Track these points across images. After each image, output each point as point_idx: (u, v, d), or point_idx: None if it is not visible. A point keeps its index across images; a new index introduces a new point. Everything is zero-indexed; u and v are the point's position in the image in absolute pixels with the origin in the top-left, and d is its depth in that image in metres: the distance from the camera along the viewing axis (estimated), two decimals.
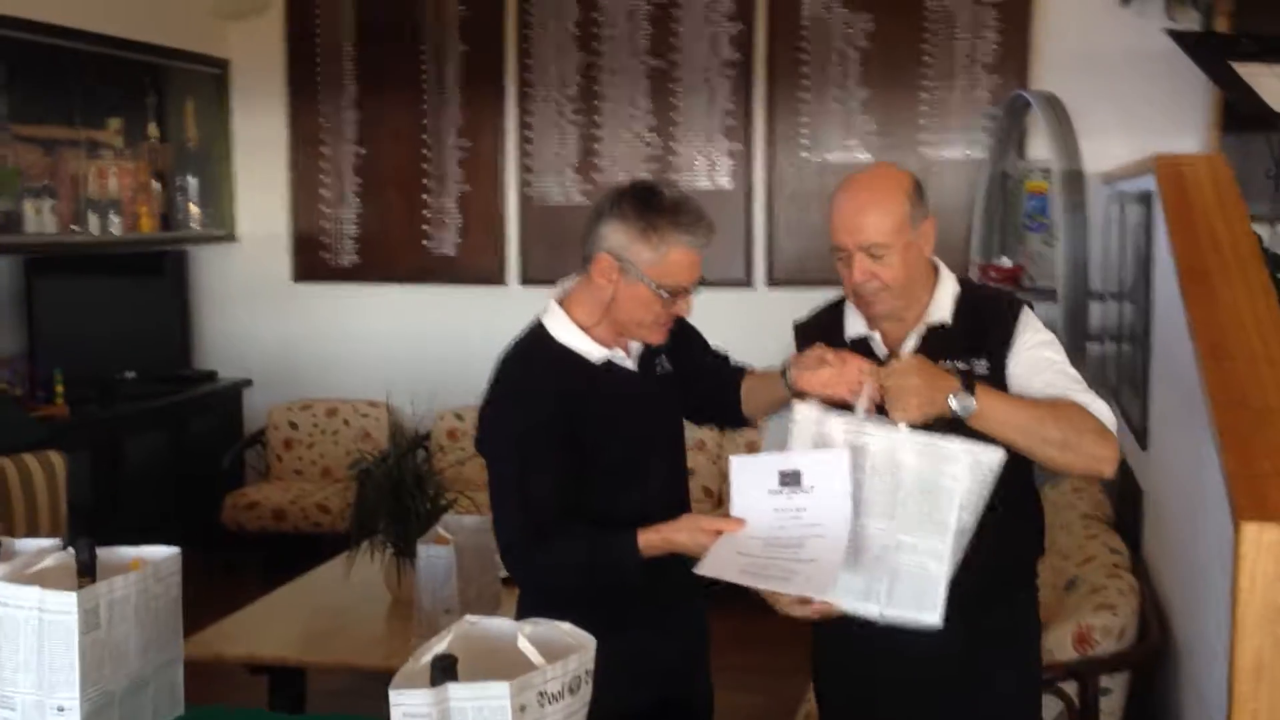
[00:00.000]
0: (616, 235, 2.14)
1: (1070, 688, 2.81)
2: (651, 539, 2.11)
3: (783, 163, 5.67)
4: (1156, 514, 3.47)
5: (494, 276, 5.98)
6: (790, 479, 1.99)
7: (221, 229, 6.20)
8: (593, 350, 2.22)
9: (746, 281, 5.71)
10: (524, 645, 1.45)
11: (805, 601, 1.97)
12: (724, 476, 4.89)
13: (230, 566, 5.58)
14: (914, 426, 1.92)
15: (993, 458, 1.88)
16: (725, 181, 5.74)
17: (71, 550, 1.91)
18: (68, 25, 5.06)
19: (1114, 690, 2.90)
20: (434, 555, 3.30)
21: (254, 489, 5.82)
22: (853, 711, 2.27)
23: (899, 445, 1.92)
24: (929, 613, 1.88)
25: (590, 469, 2.18)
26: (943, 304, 2.17)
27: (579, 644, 1.50)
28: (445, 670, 1.38)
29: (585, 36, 5.77)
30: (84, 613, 1.74)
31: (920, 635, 1.92)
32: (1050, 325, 4.58)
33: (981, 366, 2.10)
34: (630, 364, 2.27)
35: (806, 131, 5.64)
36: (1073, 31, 5.28)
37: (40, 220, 4.97)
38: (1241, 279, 2.55)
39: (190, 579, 5.27)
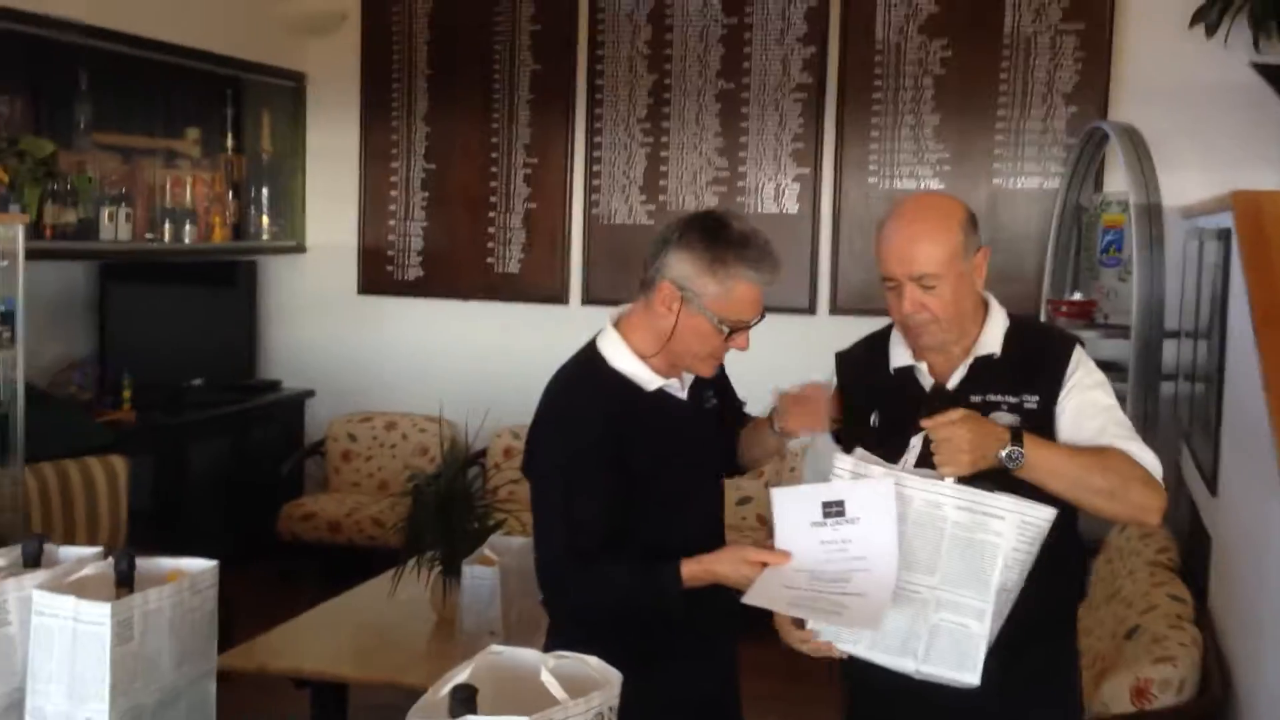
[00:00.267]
0: (682, 265, 2.12)
1: None
2: (694, 570, 2.08)
3: (851, 189, 5.61)
4: (1223, 562, 3.34)
5: (556, 295, 5.98)
6: (834, 509, 1.95)
7: (291, 240, 6.28)
8: (648, 378, 2.19)
9: (809, 309, 5.65)
10: (547, 679, 1.42)
11: (805, 639, 1.96)
12: None
13: (285, 576, 5.62)
14: (960, 480, 1.88)
15: (1040, 515, 1.83)
16: (792, 206, 5.69)
17: (111, 560, 1.91)
18: (150, 36, 5.18)
19: None
20: (479, 576, 3.29)
21: (311, 500, 5.87)
22: None
23: (943, 499, 1.87)
24: (968, 673, 1.84)
25: (637, 497, 2.15)
26: (992, 337, 2.12)
27: (604, 680, 1.46)
28: (464, 702, 1.35)
29: (656, 57, 5.76)
30: (117, 624, 1.74)
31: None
32: (1121, 363, 4.49)
33: (1031, 402, 2.06)
34: (682, 394, 2.25)
35: (875, 158, 5.57)
36: (1154, 62, 5.15)
37: (115, 227, 5.07)
38: None
39: (244, 588, 5.33)
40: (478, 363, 6.04)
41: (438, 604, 3.56)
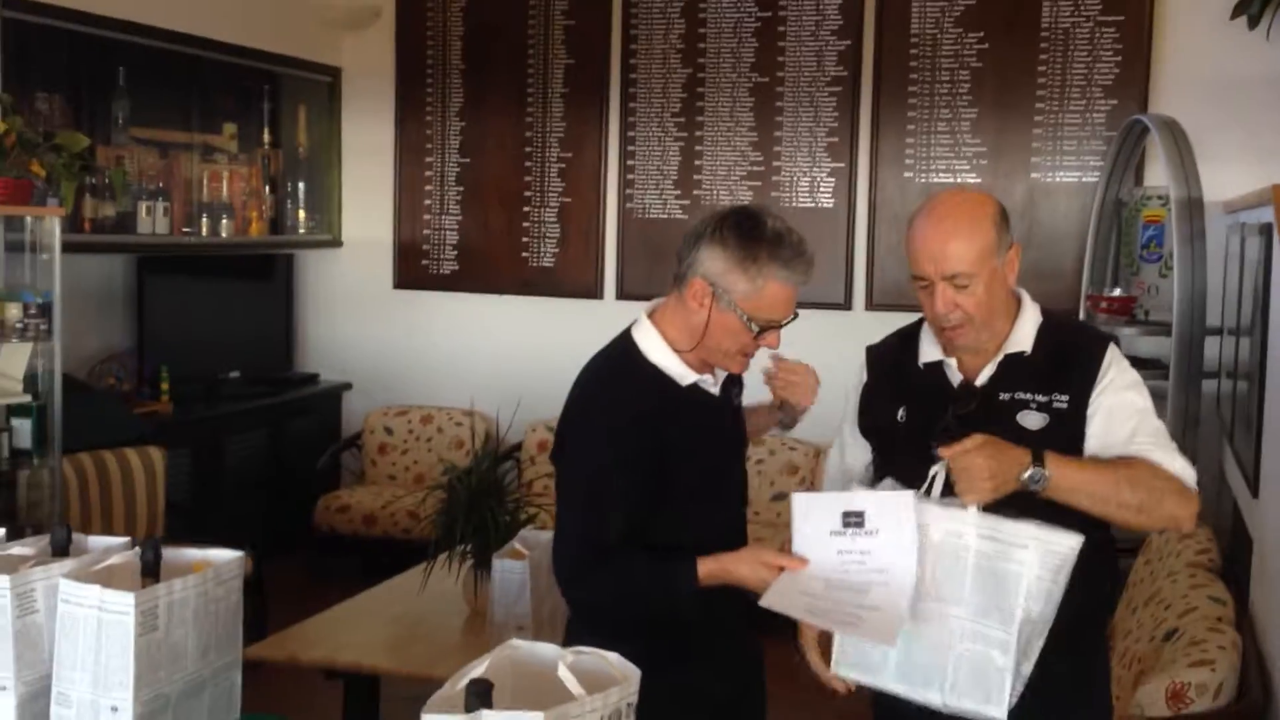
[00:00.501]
0: (714, 261, 2.10)
1: None
2: (712, 569, 2.06)
3: (886, 183, 5.56)
4: (1265, 564, 3.28)
5: (590, 290, 5.98)
6: (854, 519, 1.93)
7: (327, 234, 6.32)
8: (682, 372, 2.18)
9: (845, 304, 5.61)
10: (564, 674, 1.41)
11: (827, 675, 1.95)
12: None
13: (320, 569, 5.66)
14: (983, 507, 1.84)
15: (1065, 543, 1.78)
16: (827, 201, 5.65)
17: (138, 550, 1.92)
18: (187, 32, 5.22)
19: None
20: (509, 570, 3.29)
21: (347, 492, 5.90)
22: None
23: (966, 528, 1.83)
24: (994, 706, 1.80)
25: (666, 491, 2.14)
26: (1023, 334, 2.09)
27: (623, 676, 1.45)
28: (480, 696, 1.35)
29: (690, 51, 5.74)
30: (141, 613, 1.74)
31: None
32: (1162, 361, 4.42)
33: (1061, 401, 2.02)
34: (714, 389, 2.24)
35: (911, 152, 5.52)
36: (1194, 54, 5.07)
37: (153, 221, 5.12)
38: None
39: (280, 580, 5.37)
40: (513, 357, 6.04)
41: (470, 597, 3.56)
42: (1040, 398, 2.02)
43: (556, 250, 6.04)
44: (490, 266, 6.14)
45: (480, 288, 6.16)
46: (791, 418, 2.40)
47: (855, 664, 1.95)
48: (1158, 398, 4.32)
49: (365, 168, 6.30)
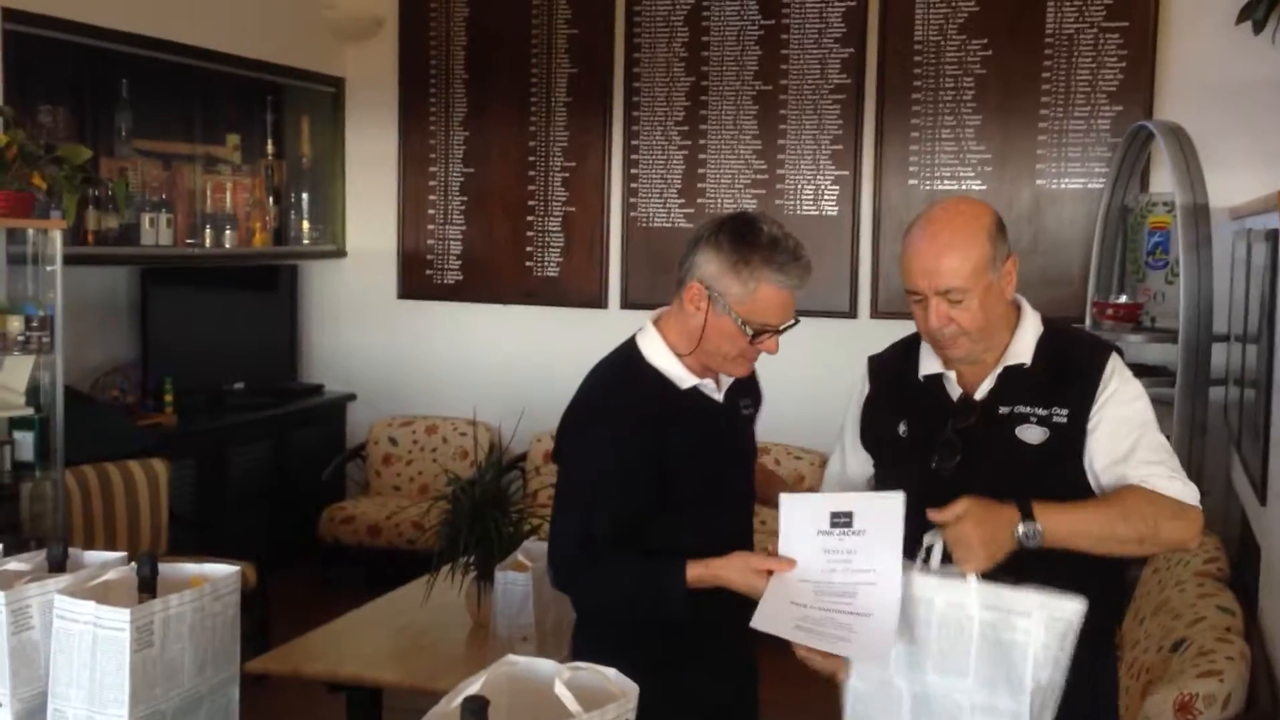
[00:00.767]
0: (709, 265, 2.12)
1: None
2: (700, 573, 2.07)
3: (891, 190, 5.54)
4: (1273, 573, 3.25)
5: (595, 299, 5.96)
6: (842, 520, 1.92)
7: (331, 245, 6.32)
8: (682, 375, 2.20)
9: (850, 312, 5.59)
10: (561, 691, 1.39)
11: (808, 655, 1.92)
12: None
13: (325, 580, 5.65)
14: (982, 575, 1.82)
15: (1069, 609, 1.76)
16: (831, 208, 5.63)
17: (134, 565, 1.91)
18: (190, 43, 5.23)
19: None
20: (511, 581, 3.27)
21: (351, 503, 5.89)
22: None
23: (968, 599, 1.81)
24: None
25: (663, 493, 2.16)
26: (1023, 345, 2.06)
27: (620, 692, 1.43)
28: (475, 713, 1.33)
29: (693, 59, 5.73)
30: (136, 629, 1.73)
31: None
32: (1169, 368, 4.39)
33: (1061, 415, 1.99)
34: (717, 395, 2.25)
35: (916, 159, 5.50)
36: (1199, 60, 5.05)
37: (156, 233, 5.12)
38: None
39: (285, 592, 5.36)
40: (517, 367, 6.03)
41: (473, 609, 3.54)
42: (1040, 411, 2.00)
43: (560, 260, 6.03)
44: (494, 276, 6.13)
45: (484, 297, 6.15)
46: None
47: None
48: (1164, 405, 4.31)
49: (369, 178, 6.30)
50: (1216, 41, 4.96)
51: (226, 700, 1.97)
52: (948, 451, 2.01)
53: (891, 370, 2.18)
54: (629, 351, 2.24)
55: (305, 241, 6.17)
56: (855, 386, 2.28)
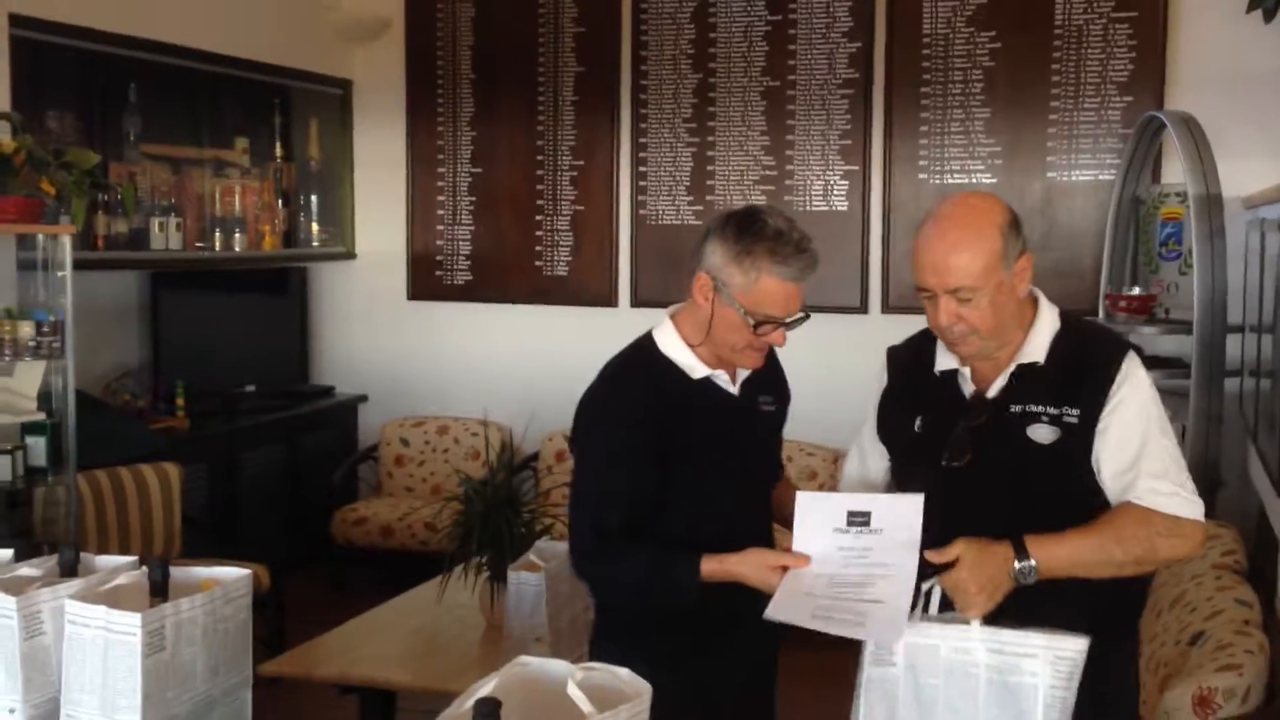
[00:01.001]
0: (715, 256, 2.16)
1: None
2: (714, 567, 2.09)
3: (901, 185, 5.52)
4: None
5: (605, 298, 5.95)
6: (859, 519, 1.93)
7: (341, 247, 6.32)
8: (694, 365, 2.24)
9: (861, 307, 5.57)
10: (573, 691, 1.38)
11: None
12: None
13: (339, 582, 5.65)
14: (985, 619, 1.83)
15: (1073, 647, 1.75)
16: (841, 204, 5.61)
17: (146, 569, 1.91)
18: (197, 47, 5.23)
19: None
20: (524, 582, 3.26)
21: (364, 505, 5.89)
22: None
23: (972, 644, 1.80)
24: None
25: (674, 481, 2.19)
26: (1037, 343, 2.04)
27: (634, 692, 1.42)
28: (487, 715, 1.32)
29: (700, 56, 5.72)
30: (148, 633, 1.73)
31: None
32: (1184, 359, 4.36)
33: (1071, 415, 1.98)
34: (731, 387, 2.27)
35: (925, 153, 5.48)
36: (1210, 49, 5.02)
37: (166, 237, 5.13)
38: None
39: (298, 594, 5.36)
40: (528, 366, 6.03)
41: (486, 610, 3.54)
42: (1052, 410, 1.98)
43: (570, 259, 6.02)
44: (504, 276, 6.12)
45: (494, 297, 6.15)
46: None
47: None
48: (1179, 396, 4.29)
49: (378, 179, 6.30)
50: (1227, 30, 4.93)
51: (239, 703, 1.97)
52: (958, 450, 2.00)
53: (909, 363, 2.17)
54: (644, 343, 2.29)
55: (315, 244, 6.17)
56: (874, 379, 2.28)
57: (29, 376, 4.06)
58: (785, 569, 1.98)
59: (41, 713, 1.79)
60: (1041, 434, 1.98)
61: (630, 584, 2.17)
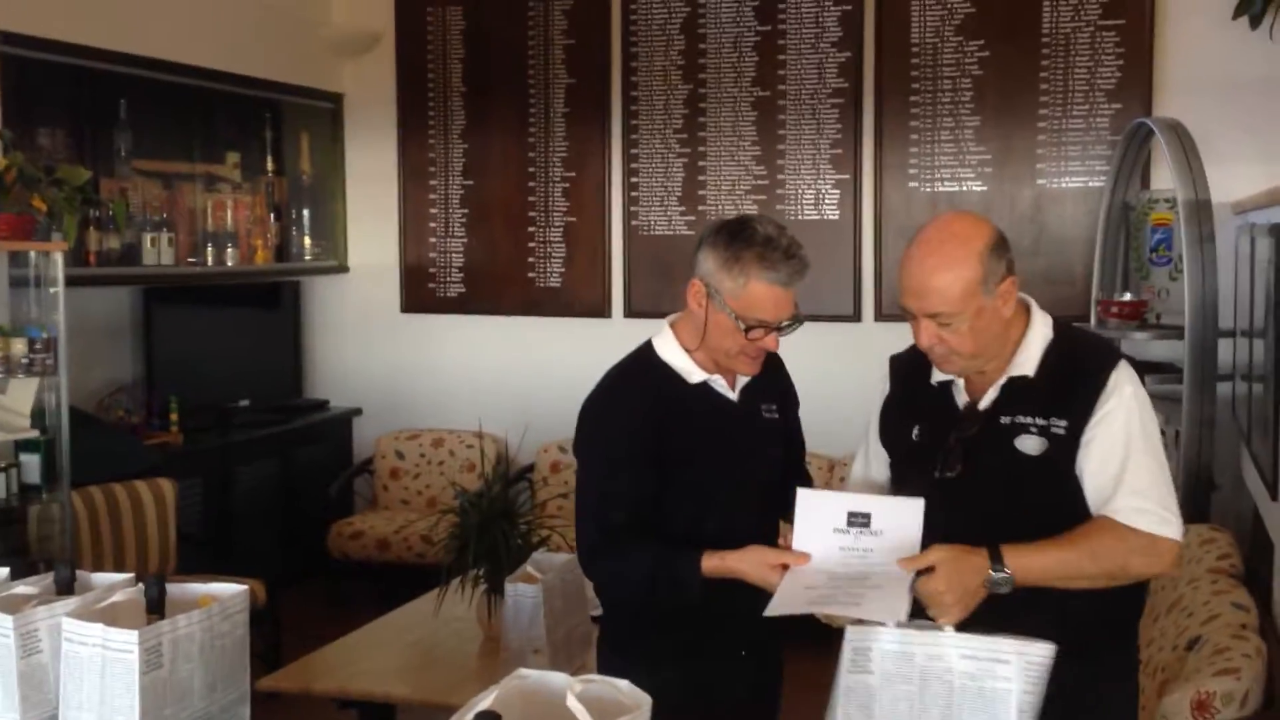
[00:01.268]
0: (707, 262, 2.22)
1: None
2: (715, 564, 2.13)
3: (892, 193, 5.54)
4: None
5: (599, 309, 5.96)
6: (860, 520, 1.95)
7: (333, 260, 6.32)
8: (691, 370, 2.29)
9: (855, 315, 5.58)
10: (573, 704, 1.38)
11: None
12: None
13: (335, 596, 5.64)
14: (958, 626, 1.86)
15: (1041, 653, 1.78)
16: (832, 213, 5.62)
17: (142, 586, 1.90)
18: (188, 63, 5.23)
19: None
20: (521, 594, 3.25)
21: (360, 518, 5.88)
22: None
23: (946, 650, 1.82)
24: None
25: (674, 485, 2.24)
26: (1028, 355, 2.05)
27: (634, 704, 1.42)
28: None
29: (690, 67, 5.73)
30: (145, 651, 1.72)
31: None
32: (1176, 364, 4.37)
33: (1059, 427, 2.00)
34: (729, 393, 2.32)
35: (916, 161, 5.49)
36: (1197, 56, 5.04)
37: (158, 252, 5.12)
38: None
39: (295, 609, 5.34)
40: (523, 378, 6.03)
41: (484, 622, 3.54)
42: (1040, 421, 2.00)
43: (563, 270, 6.03)
44: (497, 288, 6.13)
45: (488, 309, 6.15)
46: None
47: None
48: (1172, 401, 4.30)
49: (370, 192, 6.30)
50: (1213, 37, 4.95)
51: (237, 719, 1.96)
52: (950, 460, 2.02)
53: (908, 372, 2.20)
54: (643, 350, 2.35)
55: (307, 258, 6.17)
56: (872, 385, 2.31)
57: (22, 393, 4.05)
58: (785, 567, 2.02)
59: None
60: (1030, 445, 2.00)
61: (635, 580, 2.22)
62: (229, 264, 5.57)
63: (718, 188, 5.75)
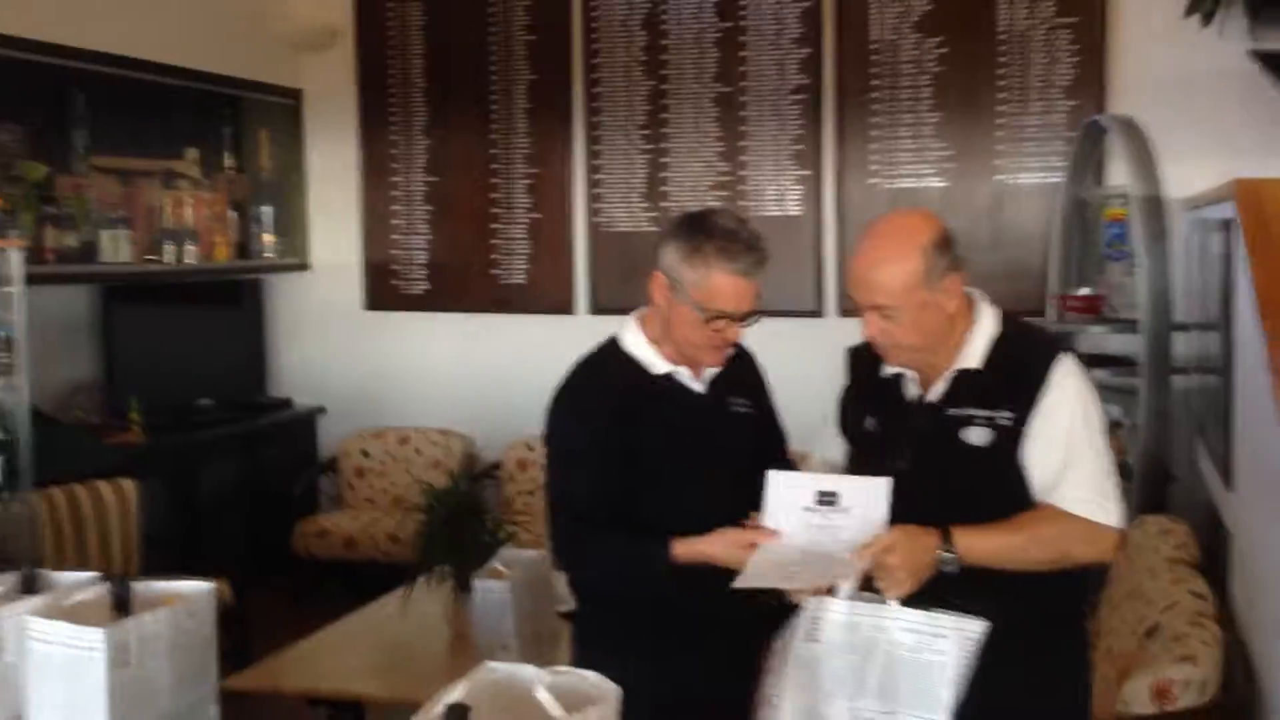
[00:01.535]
0: (669, 255, 2.26)
1: None
2: (685, 550, 2.16)
3: (853, 189, 5.58)
4: (1243, 557, 3.30)
5: (563, 305, 5.96)
6: (828, 499, 2.01)
7: (295, 258, 6.28)
8: (655, 362, 2.32)
9: (817, 310, 5.62)
10: (542, 695, 1.40)
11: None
12: None
13: (302, 595, 5.61)
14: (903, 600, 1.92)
15: (975, 629, 1.86)
16: (794, 208, 5.66)
17: (108, 585, 1.90)
18: (146, 58, 5.18)
19: None
20: (489, 590, 3.27)
21: (325, 517, 5.86)
22: None
23: (889, 622, 1.90)
24: None
25: (637, 474, 2.27)
26: (975, 348, 2.11)
27: (601, 695, 1.44)
28: None
29: (652, 63, 5.75)
30: (112, 649, 1.72)
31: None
32: (1132, 357, 4.44)
33: (1004, 418, 2.05)
34: (696, 385, 2.34)
35: (876, 158, 5.54)
36: (1151, 53, 5.11)
37: (116, 250, 5.07)
38: None
39: (261, 608, 5.30)
40: (488, 374, 6.02)
41: (452, 619, 3.53)
42: (986, 414, 2.05)
43: (527, 266, 6.03)
44: (461, 285, 6.11)
45: (452, 306, 6.13)
46: None
47: None
48: (1129, 394, 4.37)
49: (331, 189, 6.26)
50: (1166, 34, 5.01)
51: (205, 718, 1.96)
52: (900, 451, 2.06)
53: (864, 364, 2.24)
54: (609, 342, 2.38)
55: (268, 255, 6.12)
56: (832, 380, 2.35)
57: None
58: (754, 545, 2.06)
59: None
60: (976, 436, 2.05)
61: (605, 570, 2.27)
62: (189, 261, 5.52)
63: (680, 184, 5.77)
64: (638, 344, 2.33)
